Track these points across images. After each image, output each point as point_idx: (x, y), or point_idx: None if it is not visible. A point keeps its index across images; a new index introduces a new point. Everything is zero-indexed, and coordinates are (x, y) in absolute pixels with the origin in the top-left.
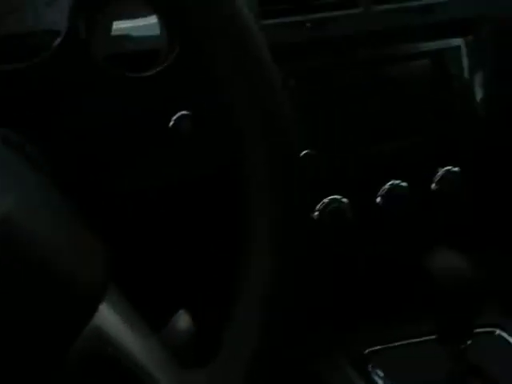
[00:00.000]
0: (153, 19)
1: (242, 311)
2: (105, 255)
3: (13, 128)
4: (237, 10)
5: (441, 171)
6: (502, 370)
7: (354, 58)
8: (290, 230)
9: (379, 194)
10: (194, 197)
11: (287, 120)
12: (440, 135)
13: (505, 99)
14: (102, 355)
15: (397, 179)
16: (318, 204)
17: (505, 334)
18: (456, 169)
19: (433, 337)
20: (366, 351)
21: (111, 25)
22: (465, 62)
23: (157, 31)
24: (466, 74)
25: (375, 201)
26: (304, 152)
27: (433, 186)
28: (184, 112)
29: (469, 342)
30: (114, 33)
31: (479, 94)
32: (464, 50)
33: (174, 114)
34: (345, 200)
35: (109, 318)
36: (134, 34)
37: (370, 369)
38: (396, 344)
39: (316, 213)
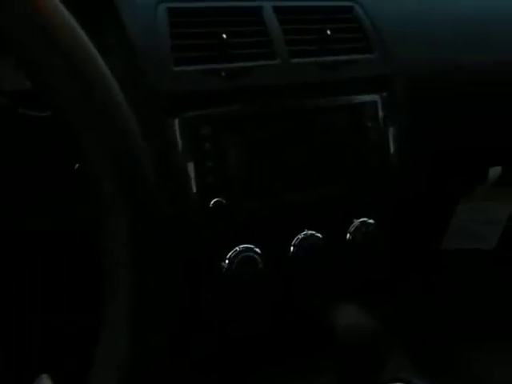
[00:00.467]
0: None
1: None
2: None
3: None
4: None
5: (356, 222)
6: None
7: (270, 108)
8: (152, 296)
9: (292, 243)
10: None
11: (147, 181)
12: (356, 187)
13: (417, 153)
14: None
15: (311, 229)
16: (229, 252)
17: None
18: (371, 220)
19: None
20: None
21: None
22: (380, 116)
23: None
24: (381, 127)
25: (288, 251)
26: (214, 200)
27: (348, 236)
28: None
29: None
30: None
31: (393, 148)
32: (380, 105)
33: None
34: (257, 249)
35: None
36: None
37: None
38: None
39: (226, 261)
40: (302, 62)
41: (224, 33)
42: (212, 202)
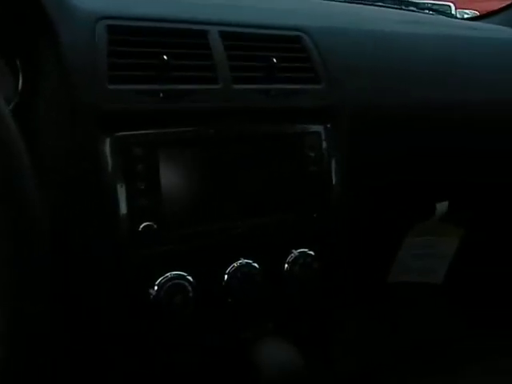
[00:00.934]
0: None
1: None
2: None
3: None
4: None
5: (294, 253)
6: None
7: (208, 133)
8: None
9: (227, 272)
10: None
11: None
12: (295, 217)
13: (360, 185)
14: None
15: (247, 258)
16: (158, 279)
17: None
18: (311, 252)
19: None
20: None
21: None
22: (323, 147)
23: None
24: (324, 158)
25: (222, 280)
26: (144, 224)
27: (285, 267)
28: None
29: None
30: None
31: (335, 179)
32: (323, 136)
33: None
34: (189, 277)
35: None
36: None
37: None
38: None
39: (155, 288)
40: (245, 88)
41: (166, 54)
42: (142, 226)
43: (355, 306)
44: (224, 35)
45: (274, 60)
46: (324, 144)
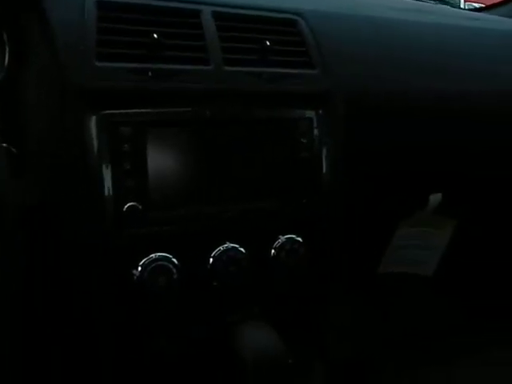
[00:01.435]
0: None
1: None
2: None
3: None
4: None
5: (281, 239)
6: None
7: (197, 114)
8: None
9: (212, 255)
10: None
11: None
12: (283, 202)
13: (351, 173)
14: None
15: (233, 242)
16: (142, 260)
17: None
18: (298, 238)
19: None
20: None
21: None
22: (315, 133)
23: None
24: (315, 145)
25: (207, 263)
26: (129, 204)
27: (272, 253)
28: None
29: None
30: None
31: (326, 166)
32: (315, 122)
33: None
34: (174, 260)
35: None
36: None
37: None
38: None
39: (138, 269)
40: (237, 70)
41: (156, 33)
42: (126, 206)
43: (347, 294)
44: (217, 15)
45: (268, 43)
46: (316, 130)
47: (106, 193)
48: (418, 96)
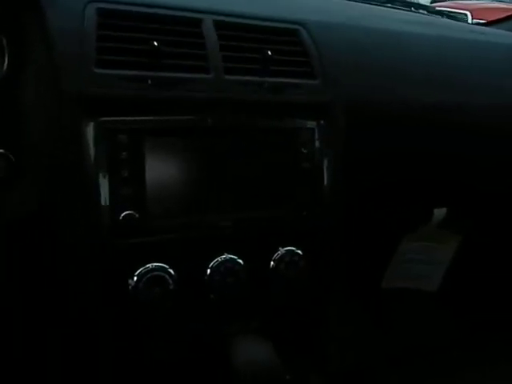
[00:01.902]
0: None
1: None
2: None
3: None
4: None
5: (281, 251)
6: None
7: (197, 122)
8: None
9: (210, 266)
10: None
11: None
12: (284, 214)
13: (353, 185)
14: None
15: (232, 253)
16: (138, 269)
17: None
18: (298, 251)
19: None
20: None
21: None
22: (316, 143)
23: None
24: (316, 155)
25: (204, 274)
26: (126, 213)
27: (271, 265)
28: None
29: None
30: None
31: (327, 178)
32: (316, 133)
33: None
34: (170, 270)
35: None
36: None
37: None
38: None
39: (134, 278)
40: (238, 79)
41: (157, 41)
42: (123, 215)
43: (349, 307)
44: (218, 24)
45: (269, 52)
46: (317, 140)
47: (103, 201)
48: (419, 107)
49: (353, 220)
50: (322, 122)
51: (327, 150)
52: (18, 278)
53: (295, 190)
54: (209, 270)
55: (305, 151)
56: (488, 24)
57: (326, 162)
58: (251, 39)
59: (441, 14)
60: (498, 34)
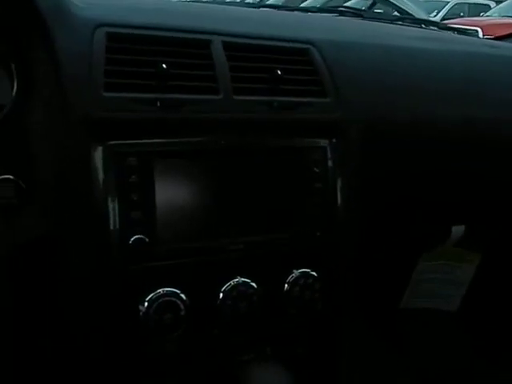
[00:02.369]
0: None
1: None
2: None
3: None
4: None
5: (295, 273)
6: None
7: (207, 144)
8: None
9: (222, 290)
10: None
11: None
12: (297, 235)
13: (368, 205)
14: None
15: (244, 277)
16: (148, 295)
17: None
18: (313, 273)
19: None
20: None
21: None
22: (329, 163)
23: None
24: (329, 175)
25: (216, 298)
26: (136, 237)
27: (285, 288)
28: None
29: None
30: None
31: (341, 198)
32: (329, 152)
33: None
34: (182, 295)
35: None
36: None
37: None
38: None
39: (145, 304)
40: (247, 99)
41: (165, 63)
42: (132, 239)
43: (365, 331)
44: (227, 45)
45: (279, 72)
46: (329, 160)
47: (112, 225)
48: (431, 124)
49: (368, 240)
50: (334, 140)
51: (340, 169)
52: (24, 304)
53: (308, 211)
54: (221, 295)
55: (317, 170)
56: (498, 39)
57: (339, 182)
58: (260, 59)
59: (452, 29)
60: (509, 47)
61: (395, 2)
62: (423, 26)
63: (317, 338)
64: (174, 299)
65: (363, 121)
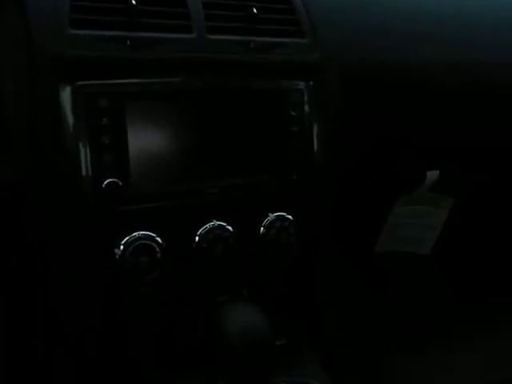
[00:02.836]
0: None
1: None
2: None
3: None
4: None
5: (271, 216)
6: None
7: (180, 85)
8: None
9: (198, 233)
10: None
11: None
12: (273, 179)
13: (345, 148)
14: None
15: (220, 220)
16: (124, 238)
17: None
18: (288, 216)
19: None
20: None
21: None
22: (306, 106)
23: None
24: (305, 118)
25: (192, 241)
26: (109, 180)
27: (261, 231)
28: None
29: None
30: None
31: (317, 141)
32: (306, 94)
33: None
34: (158, 238)
35: None
36: None
37: None
38: None
39: (120, 247)
40: (222, 39)
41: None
42: (105, 183)
43: (342, 273)
44: None
45: (255, 10)
46: (306, 103)
47: (84, 169)
48: (415, 66)
49: (345, 183)
50: (311, 82)
51: (318, 112)
52: None
53: (284, 155)
54: (197, 238)
55: (294, 114)
56: None
57: (316, 125)
58: None
59: None
60: None
61: None
62: None
63: (294, 280)
64: (149, 242)
65: (341, 62)
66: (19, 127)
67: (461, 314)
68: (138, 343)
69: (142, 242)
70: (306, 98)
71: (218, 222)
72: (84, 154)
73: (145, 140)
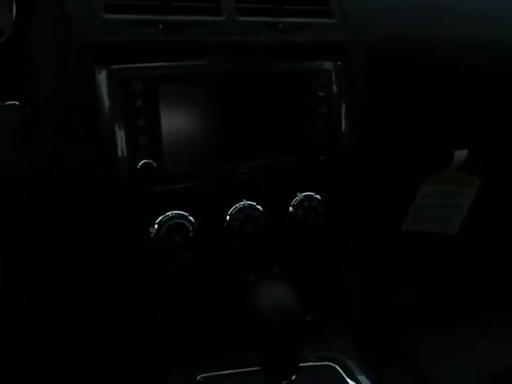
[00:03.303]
0: None
1: None
2: None
3: None
4: None
5: (299, 196)
6: None
7: (211, 67)
8: None
9: (228, 213)
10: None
11: None
12: (302, 159)
13: (373, 129)
14: None
15: (250, 200)
16: (158, 217)
17: (338, 368)
18: (317, 196)
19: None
20: (199, 377)
21: None
22: (334, 86)
23: None
24: (333, 99)
25: (223, 221)
26: (143, 161)
27: (290, 210)
28: (14, 102)
29: (293, 378)
30: None
31: (345, 121)
32: (334, 75)
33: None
34: (191, 218)
35: None
36: None
37: None
38: (225, 372)
39: (155, 226)
40: (251, 20)
41: None
42: (140, 164)
43: (368, 254)
44: None
45: None
46: (334, 83)
47: (119, 151)
48: (442, 45)
49: (372, 163)
50: (339, 63)
51: (346, 93)
52: (32, 229)
53: (312, 136)
54: (228, 217)
55: (322, 94)
56: None
57: (344, 105)
58: None
59: None
60: None
61: None
62: None
63: (321, 259)
64: (182, 221)
65: (369, 41)
66: (57, 110)
67: (483, 297)
68: (171, 320)
69: (176, 221)
70: (333, 79)
71: (248, 202)
72: (119, 135)
73: (177, 122)
